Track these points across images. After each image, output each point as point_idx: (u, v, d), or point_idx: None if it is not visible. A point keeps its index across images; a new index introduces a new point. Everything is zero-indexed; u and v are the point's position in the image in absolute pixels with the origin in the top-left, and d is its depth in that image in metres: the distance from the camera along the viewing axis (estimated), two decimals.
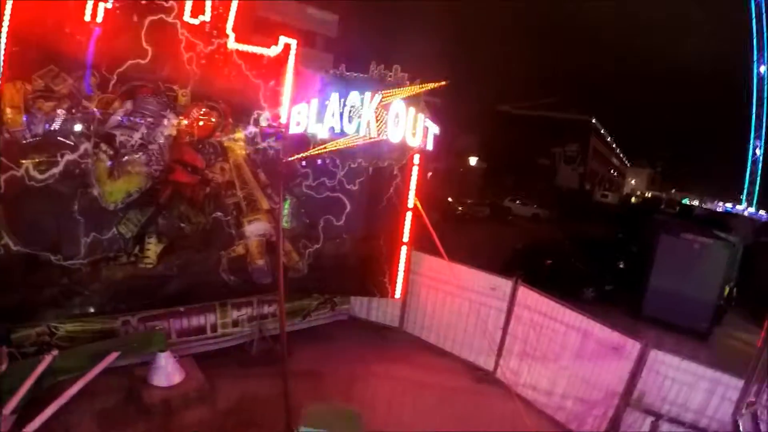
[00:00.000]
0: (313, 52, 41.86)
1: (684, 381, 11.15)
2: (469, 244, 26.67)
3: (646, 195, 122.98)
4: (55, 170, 11.06)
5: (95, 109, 11.31)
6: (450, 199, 42.45)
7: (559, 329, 13.00)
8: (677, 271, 21.12)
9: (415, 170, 14.62)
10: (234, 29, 12.55)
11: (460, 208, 42.70)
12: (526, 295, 13.77)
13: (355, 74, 13.35)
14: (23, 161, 10.71)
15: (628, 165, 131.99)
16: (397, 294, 15.36)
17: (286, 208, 13.90)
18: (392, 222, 14.83)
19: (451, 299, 15.14)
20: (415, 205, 14.63)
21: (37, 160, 10.86)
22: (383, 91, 12.50)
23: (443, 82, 13.15)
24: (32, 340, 11.42)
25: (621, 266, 27.88)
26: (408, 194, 14.71)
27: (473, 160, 55.74)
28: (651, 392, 11.50)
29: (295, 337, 14.68)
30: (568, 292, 22.56)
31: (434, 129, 13.21)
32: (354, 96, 12.33)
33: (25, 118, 10.63)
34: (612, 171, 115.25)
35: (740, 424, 10.44)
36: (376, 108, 12.30)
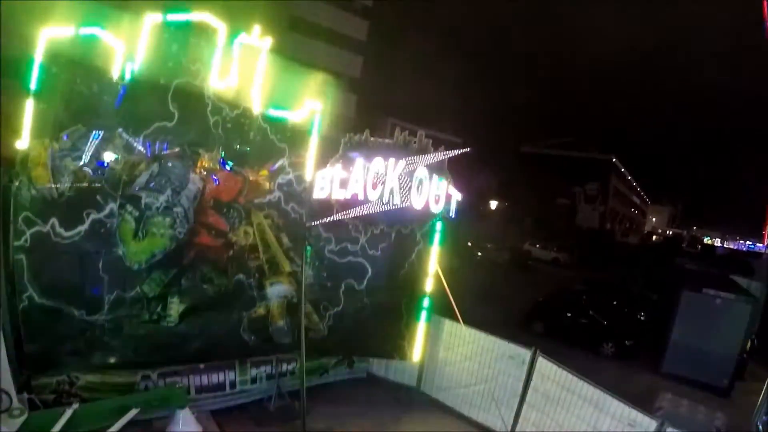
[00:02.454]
0: (337, 92, 42.37)
1: None
2: (488, 295, 26.52)
3: (668, 233, 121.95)
4: (81, 228, 11.23)
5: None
6: (469, 243, 42.19)
7: (576, 402, 12.82)
8: (699, 326, 20.86)
9: (437, 237, 14.65)
10: (260, 92, 12.79)
11: (479, 253, 42.44)
12: (544, 365, 13.61)
13: (380, 140, 13.41)
14: (49, 218, 10.91)
15: (649, 203, 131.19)
16: (416, 357, 15.29)
17: (308, 255, 13.91)
18: (413, 287, 14.86)
19: (469, 364, 14.99)
20: (436, 271, 14.59)
21: (63, 218, 11.05)
22: (407, 158, 12.59)
23: (466, 149, 13.20)
24: (52, 388, 11.48)
25: (641, 318, 27.53)
26: (430, 260, 14.73)
27: (492, 203, 55.51)
28: None
29: (313, 394, 14.55)
30: (587, 346, 22.49)
31: (457, 195, 13.26)
32: (378, 162, 12.42)
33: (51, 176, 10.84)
34: (633, 209, 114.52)
35: (760, 428, 10.37)
36: (400, 174, 12.39)
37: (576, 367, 13.46)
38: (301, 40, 38.87)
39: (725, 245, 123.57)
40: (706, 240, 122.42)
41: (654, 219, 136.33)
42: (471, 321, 15.24)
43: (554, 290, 28.87)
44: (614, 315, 25.26)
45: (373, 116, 48.55)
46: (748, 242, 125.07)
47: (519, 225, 59.23)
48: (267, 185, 13.24)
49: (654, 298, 31.84)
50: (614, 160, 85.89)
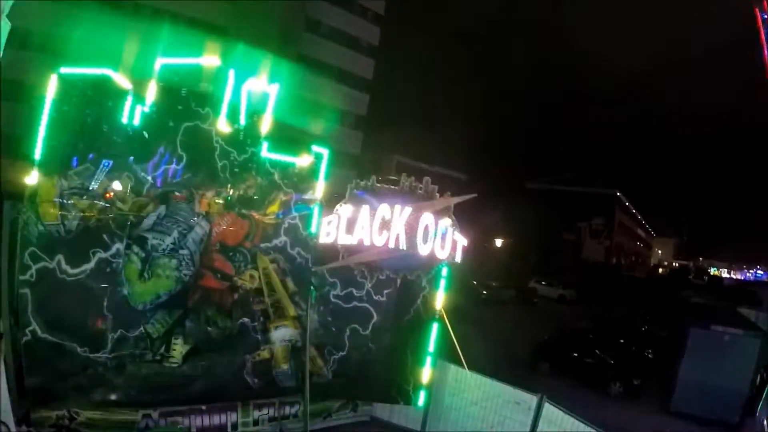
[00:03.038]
0: (343, 130, 42.84)
1: None
2: (494, 337, 26.17)
3: (674, 265, 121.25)
4: (87, 266, 11.32)
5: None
6: (474, 282, 41.48)
7: None
8: (708, 364, 20.56)
9: (443, 283, 14.62)
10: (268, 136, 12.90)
11: (484, 292, 41.84)
12: (551, 412, 13.44)
13: (386, 186, 13.47)
14: (56, 254, 11.00)
15: (654, 235, 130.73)
16: (421, 403, 15.07)
17: (314, 299, 13.93)
18: (418, 332, 14.74)
19: (475, 409, 14.76)
20: (441, 316, 14.57)
21: (69, 255, 11.14)
22: (413, 204, 12.63)
23: (473, 195, 13.26)
24: (52, 422, 11.49)
25: (649, 355, 27.24)
26: (435, 306, 14.68)
27: (498, 240, 55.20)
28: None
29: None
30: (595, 386, 22.23)
31: (462, 241, 13.26)
32: (384, 208, 12.47)
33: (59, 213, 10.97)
34: (638, 243, 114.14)
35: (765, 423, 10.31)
36: (406, 220, 12.43)
37: (584, 408, 13.36)
38: (308, 78, 39.29)
39: (732, 275, 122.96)
40: (713, 271, 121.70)
41: (660, 251, 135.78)
42: (477, 362, 15.24)
43: (560, 329, 28.61)
44: (621, 353, 24.95)
45: (379, 153, 49.01)
46: (755, 272, 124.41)
47: (524, 262, 58.82)
48: (273, 229, 13.27)
49: (662, 335, 31.54)
50: (618, 194, 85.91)
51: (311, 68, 42.19)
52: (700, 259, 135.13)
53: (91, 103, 11.24)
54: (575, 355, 24.30)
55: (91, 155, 11.26)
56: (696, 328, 21.50)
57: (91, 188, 11.22)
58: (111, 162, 11.40)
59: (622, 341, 27.50)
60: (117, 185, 11.46)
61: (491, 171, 62.61)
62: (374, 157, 48.67)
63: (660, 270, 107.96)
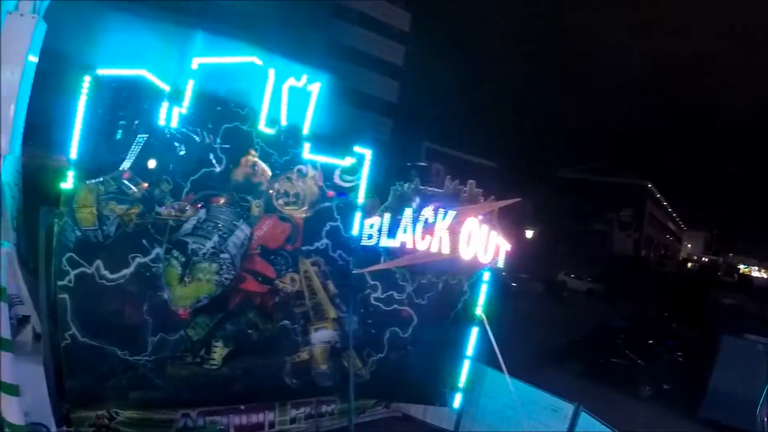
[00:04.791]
0: (371, 116, 42.76)
1: None
2: (525, 335, 26.01)
3: (703, 260, 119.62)
4: (126, 271, 11.22)
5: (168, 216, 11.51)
6: (503, 274, 40.70)
7: None
8: (739, 372, 20.46)
9: (484, 288, 14.58)
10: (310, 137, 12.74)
11: (513, 284, 41.47)
12: (587, 421, 13.37)
13: (429, 188, 13.33)
14: (94, 260, 10.92)
15: (684, 228, 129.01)
16: (456, 406, 15.16)
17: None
18: (457, 336, 14.76)
19: (510, 413, 14.69)
20: (482, 320, 14.51)
21: (108, 260, 11.05)
22: (457, 207, 12.48)
23: (517, 199, 13.09)
24: (91, 422, 11.53)
25: (679, 358, 26.92)
26: (476, 310, 14.66)
27: (528, 231, 54.51)
28: None
29: None
30: (625, 388, 22.12)
31: (505, 246, 13.13)
32: (427, 212, 12.34)
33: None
34: (668, 236, 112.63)
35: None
36: (449, 224, 12.29)
37: (614, 411, 13.19)
38: (338, 65, 39.09)
39: (762, 273, 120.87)
40: (743, 268, 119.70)
41: (689, 245, 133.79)
42: (509, 361, 15.09)
43: (590, 328, 28.43)
44: (652, 356, 24.71)
45: (409, 140, 48.73)
46: None
47: (553, 253, 58.17)
48: (315, 232, 13.20)
49: (691, 335, 31.20)
50: (650, 185, 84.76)
51: (341, 54, 42.02)
52: (730, 255, 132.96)
53: (127, 106, 10.97)
54: (605, 355, 24.16)
55: (127, 159, 11.01)
56: (729, 336, 21.57)
57: (128, 192, 11.05)
58: (148, 165, 11.22)
59: (651, 342, 27.24)
60: (155, 189, 11.33)
61: (522, 159, 62.07)
62: (404, 144, 48.51)
63: (689, 264, 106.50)
